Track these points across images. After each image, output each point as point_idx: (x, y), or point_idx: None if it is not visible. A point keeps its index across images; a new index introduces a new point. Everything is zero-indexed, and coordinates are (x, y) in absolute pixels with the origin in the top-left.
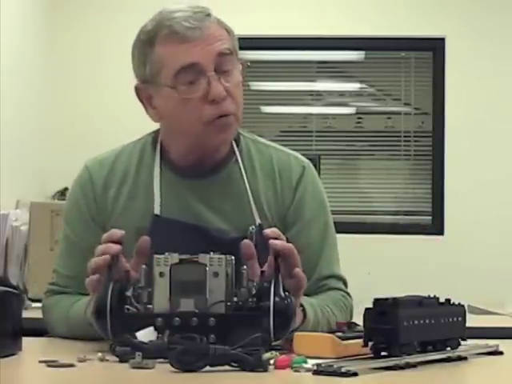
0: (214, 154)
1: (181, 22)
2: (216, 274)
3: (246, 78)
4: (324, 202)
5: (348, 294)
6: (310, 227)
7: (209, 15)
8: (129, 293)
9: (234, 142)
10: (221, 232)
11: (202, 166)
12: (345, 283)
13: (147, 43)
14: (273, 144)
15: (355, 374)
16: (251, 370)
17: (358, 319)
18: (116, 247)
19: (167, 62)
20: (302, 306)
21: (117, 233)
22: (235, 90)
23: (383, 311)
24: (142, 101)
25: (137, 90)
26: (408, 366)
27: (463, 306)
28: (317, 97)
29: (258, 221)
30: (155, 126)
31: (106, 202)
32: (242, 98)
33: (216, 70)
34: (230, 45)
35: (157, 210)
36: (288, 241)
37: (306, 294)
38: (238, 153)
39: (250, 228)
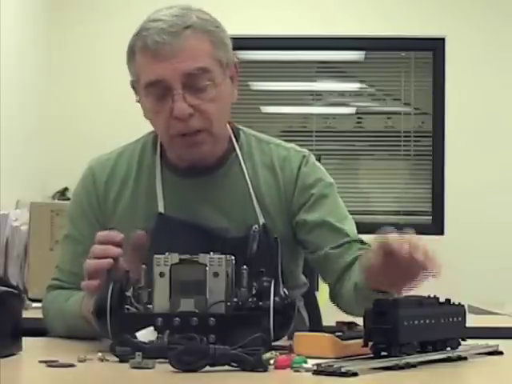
0: (205, 158)
1: (153, 36)
2: (216, 274)
3: (244, 78)
4: (328, 182)
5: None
6: (320, 203)
7: (188, 27)
8: (129, 293)
9: (233, 137)
10: (223, 231)
11: (200, 165)
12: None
13: (131, 49)
14: (273, 139)
15: (355, 374)
16: (251, 370)
17: (358, 319)
18: (117, 250)
19: (140, 74)
20: None
21: (117, 236)
22: (208, 106)
23: (383, 311)
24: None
25: (132, 85)
26: (408, 366)
27: (463, 305)
28: (317, 97)
29: (261, 220)
30: None
31: (107, 203)
32: (219, 111)
33: (185, 86)
34: (206, 61)
35: (161, 209)
36: (300, 224)
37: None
38: (237, 148)
39: (254, 227)
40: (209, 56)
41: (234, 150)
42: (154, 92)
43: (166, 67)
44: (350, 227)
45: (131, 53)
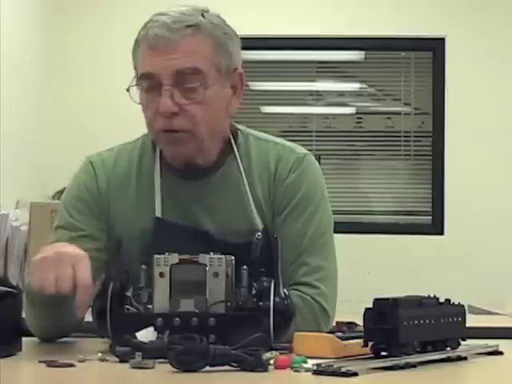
0: (191, 159)
1: (155, 29)
2: (216, 274)
3: (244, 84)
4: (315, 191)
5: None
6: (295, 214)
7: (191, 26)
8: (129, 293)
9: (232, 138)
10: (222, 234)
11: (196, 166)
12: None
13: (136, 40)
14: (272, 138)
15: (355, 374)
16: (251, 370)
17: (358, 319)
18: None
19: (138, 65)
20: None
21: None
22: (193, 108)
23: (383, 311)
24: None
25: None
26: (408, 366)
27: (463, 306)
28: (317, 97)
29: (260, 225)
30: None
31: (108, 200)
32: (206, 115)
33: (176, 84)
34: (201, 63)
35: (158, 213)
36: (274, 227)
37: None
38: (235, 149)
39: (257, 234)
40: (206, 58)
41: (233, 150)
42: (145, 85)
43: (159, 61)
44: (310, 253)
45: (136, 43)
